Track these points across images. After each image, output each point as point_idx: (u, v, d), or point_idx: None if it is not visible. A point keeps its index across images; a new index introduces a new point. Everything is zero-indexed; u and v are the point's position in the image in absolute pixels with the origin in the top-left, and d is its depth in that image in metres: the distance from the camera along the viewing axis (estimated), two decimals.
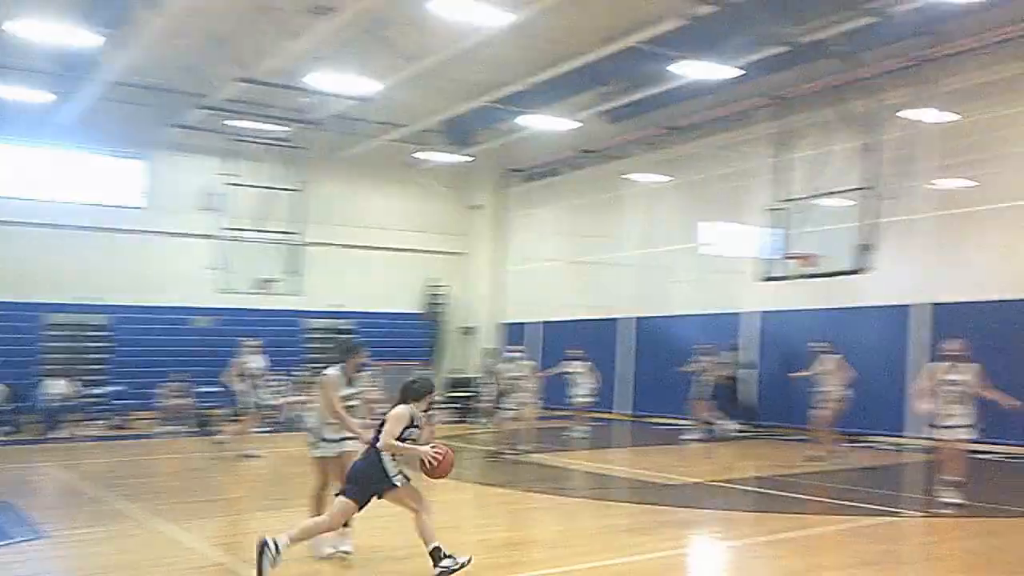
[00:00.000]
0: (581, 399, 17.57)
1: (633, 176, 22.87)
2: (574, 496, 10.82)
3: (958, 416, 9.91)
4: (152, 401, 20.05)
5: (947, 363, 10.15)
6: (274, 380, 19.96)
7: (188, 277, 22.41)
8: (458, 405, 22.43)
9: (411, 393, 6.88)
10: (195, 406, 19.69)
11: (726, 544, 8.63)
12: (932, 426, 10.25)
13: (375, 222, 25.77)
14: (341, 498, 6.74)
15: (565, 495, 10.95)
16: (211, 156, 22.06)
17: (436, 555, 6.66)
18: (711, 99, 19.50)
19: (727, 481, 11.84)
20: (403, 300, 26.04)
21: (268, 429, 18.87)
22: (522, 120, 20.71)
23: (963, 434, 9.91)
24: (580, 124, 20.73)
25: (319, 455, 7.76)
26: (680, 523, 9.37)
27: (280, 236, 22.09)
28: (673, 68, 16.59)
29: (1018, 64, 15.75)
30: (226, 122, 20.60)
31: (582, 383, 17.50)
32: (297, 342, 23.81)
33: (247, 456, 14.35)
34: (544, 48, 17.34)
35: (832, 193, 15.00)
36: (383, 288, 25.58)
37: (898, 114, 15.21)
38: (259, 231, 21.58)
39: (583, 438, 17.17)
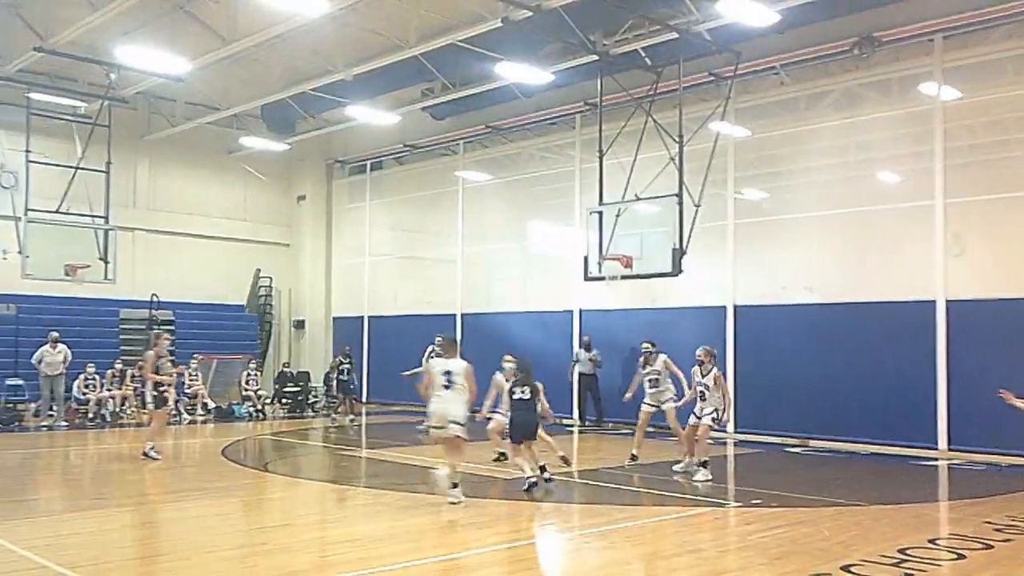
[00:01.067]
0: None
1: (459, 173, 23.07)
2: (412, 491, 10.81)
3: (706, 407, 11.75)
4: None
5: (696, 366, 11.96)
6: (95, 374, 19.05)
7: None
8: (289, 400, 21.96)
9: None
10: None
11: (560, 536, 8.85)
12: (693, 415, 11.97)
13: (195, 209, 24.76)
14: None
15: (403, 490, 10.93)
16: (10, 132, 20.52)
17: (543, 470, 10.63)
18: (531, 102, 19.98)
19: (562, 474, 12.04)
20: (227, 291, 25.07)
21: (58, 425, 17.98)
22: (345, 111, 20.51)
23: (708, 420, 11.73)
24: (401, 118, 20.75)
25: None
26: (515, 516, 9.51)
27: (87, 220, 20.80)
28: (493, 69, 16.89)
29: (802, 86, 17.01)
30: (29, 95, 19.21)
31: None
32: (112, 333, 22.54)
33: (147, 456, 13.16)
34: (365, 39, 17.23)
35: (645, 199, 15.61)
36: (205, 278, 24.55)
37: (702, 126, 15.98)
38: (63, 213, 20.24)
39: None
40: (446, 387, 9.55)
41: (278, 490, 11.48)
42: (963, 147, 15.54)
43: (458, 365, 9.66)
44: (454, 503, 9.39)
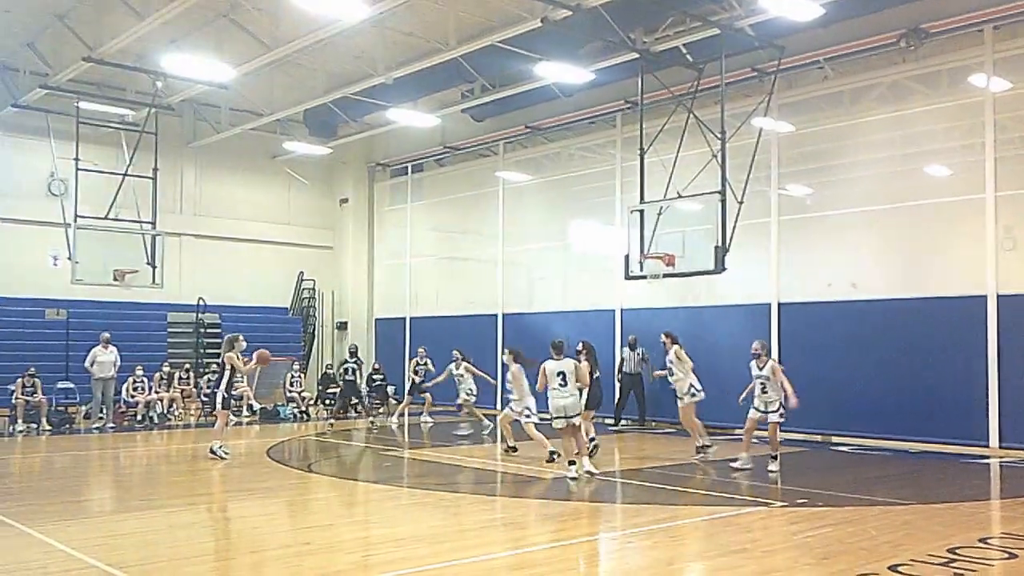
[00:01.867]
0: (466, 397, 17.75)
1: (500, 174, 23.09)
2: (453, 491, 10.90)
3: (766, 402, 11.93)
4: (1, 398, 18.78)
5: (753, 360, 12.04)
6: (143, 376, 19.39)
7: (37, 268, 21.28)
8: (333, 402, 22.09)
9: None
10: (49, 403, 18.60)
11: (604, 535, 8.82)
12: (755, 410, 12.12)
13: (240, 213, 25.09)
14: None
15: (444, 490, 11.00)
16: (60, 140, 20.95)
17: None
18: (571, 101, 19.92)
19: (601, 474, 12.00)
20: (271, 294, 25.40)
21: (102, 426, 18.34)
22: (386, 115, 20.65)
23: (776, 417, 11.95)
24: (441, 120, 20.83)
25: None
26: (556, 516, 9.49)
27: (134, 225, 21.20)
28: (532, 69, 16.88)
29: (848, 79, 16.71)
30: (78, 104, 19.63)
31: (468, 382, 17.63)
32: (161, 336, 22.94)
33: (214, 453, 13.31)
34: (405, 43, 17.34)
35: (687, 196, 15.53)
36: (250, 281, 24.91)
37: (745, 122, 15.81)
38: (112, 219, 20.65)
39: (467, 434, 17.18)
40: (562, 385, 11.29)
41: (322, 490, 11.58)
42: (1015, 139, 15.16)
43: (569, 365, 11.44)
44: (573, 478, 11.03)
